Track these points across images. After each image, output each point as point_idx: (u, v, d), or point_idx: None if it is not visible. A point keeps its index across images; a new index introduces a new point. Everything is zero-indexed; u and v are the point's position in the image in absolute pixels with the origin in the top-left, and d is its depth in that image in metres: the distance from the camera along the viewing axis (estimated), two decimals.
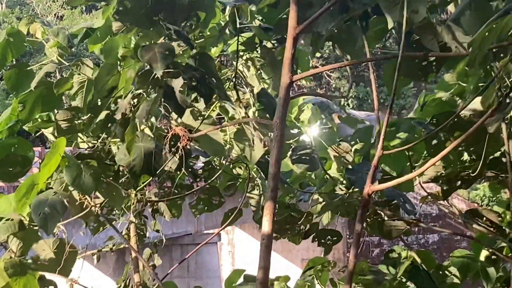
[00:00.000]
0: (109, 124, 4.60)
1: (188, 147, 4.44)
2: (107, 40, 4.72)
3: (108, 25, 4.86)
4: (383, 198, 5.21)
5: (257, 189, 5.86)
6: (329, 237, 5.81)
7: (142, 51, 4.07)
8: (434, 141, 4.50)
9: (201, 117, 4.94)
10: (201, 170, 5.79)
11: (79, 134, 5.10)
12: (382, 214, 5.27)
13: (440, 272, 5.62)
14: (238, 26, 5.01)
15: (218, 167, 5.78)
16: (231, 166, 5.89)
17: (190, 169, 5.06)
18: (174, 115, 5.03)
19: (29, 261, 4.15)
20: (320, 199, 5.71)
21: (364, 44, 4.17)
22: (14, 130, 4.92)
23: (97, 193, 4.63)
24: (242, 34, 5.21)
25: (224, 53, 5.95)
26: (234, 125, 5.03)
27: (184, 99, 4.15)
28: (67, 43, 4.91)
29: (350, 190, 5.44)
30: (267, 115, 4.98)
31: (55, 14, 61.57)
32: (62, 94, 4.84)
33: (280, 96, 3.89)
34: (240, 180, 5.96)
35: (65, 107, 4.89)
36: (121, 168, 4.81)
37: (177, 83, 4.17)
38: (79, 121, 4.77)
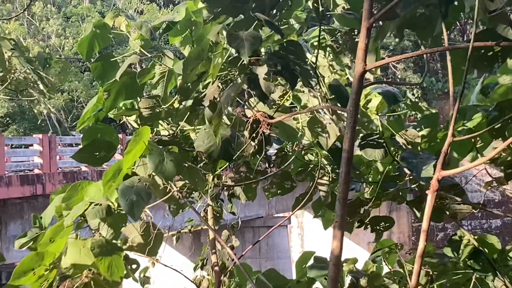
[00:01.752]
0: (196, 108, 4.63)
1: (267, 132, 4.42)
2: (195, 28, 4.74)
3: (188, 19, 4.89)
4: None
5: (327, 175, 5.83)
6: (382, 223, 5.78)
7: (230, 38, 4.08)
8: (498, 125, 4.43)
9: (276, 106, 4.93)
10: (274, 156, 5.80)
11: (160, 122, 5.14)
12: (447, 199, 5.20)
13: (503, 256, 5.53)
14: (321, 13, 4.98)
15: (290, 153, 5.77)
16: (303, 152, 5.87)
17: (265, 155, 5.05)
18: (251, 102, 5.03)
19: (118, 242, 4.19)
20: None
21: (443, 31, 4.08)
22: (100, 117, 4.99)
23: (178, 177, 4.65)
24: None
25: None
26: (307, 113, 5.01)
27: (268, 86, 4.15)
28: (149, 36, 4.96)
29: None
30: (339, 104, 4.94)
31: (135, 9, 62.21)
32: (144, 84, 4.88)
33: (354, 84, 3.86)
34: (311, 166, 5.94)
35: (147, 95, 4.94)
36: (199, 154, 4.83)
37: (262, 70, 4.17)
38: (161, 109, 4.81)
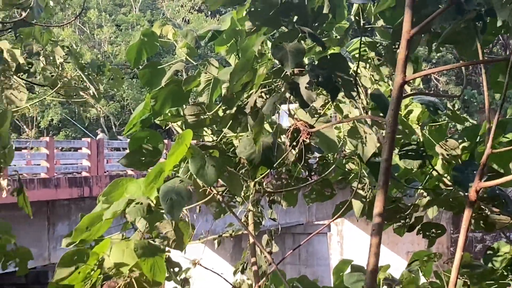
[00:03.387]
0: (239, 116, 4.66)
1: (308, 141, 4.43)
2: (243, 39, 4.77)
3: (234, 28, 4.92)
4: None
5: (366, 184, 5.82)
6: (433, 230, 5.78)
7: (274, 50, 4.11)
8: None
9: (317, 115, 4.94)
10: (315, 164, 5.80)
11: (204, 128, 5.17)
12: (486, 210, 5.17)
13: None
14: (362, 26, 4.98)
15: (331, 162, 5.78)
16: (343, 161, 5.87)
17: (305, 163, 5.05)
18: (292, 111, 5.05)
19: (157, 242, 4.22)
20: (425, 194, 5.68)
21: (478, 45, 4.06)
22: (147, 123, 5.04)
23: (220, 181, 4.67)
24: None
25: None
26: (348, 123, 5.01)
27: (309, 95, 4.15)
28: (195, 44, 4.99)
29: (454, 187, 5.37)
30: (380, 114, 4.94)
31: (183, 18, 62.61)
32: (190, 91, 4.91)
33: (393, 95, 3.86)
34: (352, 175, 5.94)
35: (192, 102, 4.97)
36: (241, 161, 4.85)
37: (303, 80, 4.18)
38: (205, 116, 4.84)
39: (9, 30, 6.80)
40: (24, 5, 6.30)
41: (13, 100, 5.13)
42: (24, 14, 6.24)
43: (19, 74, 5.51)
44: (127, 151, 4.70)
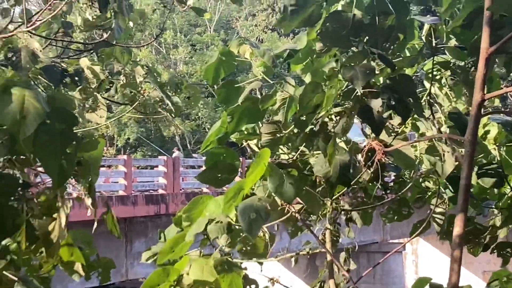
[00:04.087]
0: (311, 138, 4.66)
1: (383, 160, 4.41)
2: (314, 60, 4.78)
3: (309, 47, 4.92)
4: None
5: (444, 203, 5.75)
6: (508, 249, 5.69)
7: (344, 70, 4.12)
8: None
9: (394, 133, 4.90)
10: (392, 183, 5.75)
11: (280, 146, 5.17)
12: None
13: None
14: (434, 46, 4.94)
15: (408, 180, 5.72)
16: (420, 180, 5.80)
17: (381, 181, 5.02)
18: (367, 131, 5.03)
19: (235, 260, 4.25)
20: (496, 212, 5.63)
21: None
22: (223, 140, 5.07)
23: (296, 199, 4.67)
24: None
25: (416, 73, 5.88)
26: (425, 141, 4.96)
27: (381, 119, 4.15)
28: (272, 63, 5.01)
29: None
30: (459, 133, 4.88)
31: (256, 38, 63.03)
32: (266, 109, 4.92)
33: (472, 113, 3.81)
34: (429, 194, 5.87)
35: (268, 121, 4.98)
36: (318, 179, 4.84)
37: (376, 104, 4.18)
38: (281, 135, 4.84)
39: (91, 50, 6.97)
40: (106, 27, 6.45)
41: (93, 117, 5.24)
42: (105, 35, 6.39)
43: (99, 92, 5.63)
44: (202, 168, 4.75)
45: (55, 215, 2.97)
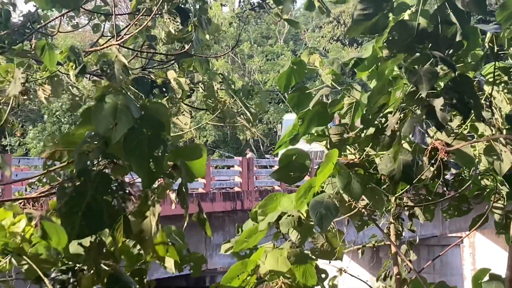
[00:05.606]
0: (377, 136, 4.63)
1: (445, 159, 4.34)
2: (381, 64, 4.75)
3: (374, 55, 4.89)
4: None
5: (502, 199, 5.64)
6: None
7: (409, 74, 4.08)
8: None
9: (454, 134, 4.83)
10: (452, 180, 5.67)
11: (347, 147, 5.15)
12: None
13: None
14: (495, 52, 4.86)
15: (467, 178, 5.63)
16: (479, 177, 5.71)
17: (443, 179, 4.95)
18: (429, 132, 4.96)
19: (307, 251, 4.26)
20: None
21: None
22: (295, 141, 5.08)
23: (362, 196, 4.65)
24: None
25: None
26: (483, 142, 4.87)
27: (444, 117, 4.08)
28: (340, 71, 5.00)
29: None
30: None
31: (323, 48, 62.86)
32: (334, 113, 4.91)
33: None
34: (487, 190, 5.77)
35: (335, 124, 4.97)
36: (382, 177, 4.80)
37: (438, 103, 4.12)
38: (348, 136, 4.83)
39: (173, 61, 7.05)
40: (186, 39, 6.51)
41: (179, 124, 5.29)
42: (186, 47, 6.45)
43: (184, 100, 5.69)
44: (274, 168, 4.76)
45: (147, 213, 3.01)
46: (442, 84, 4.45)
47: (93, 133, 2.87)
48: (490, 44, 4.90)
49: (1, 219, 2.87)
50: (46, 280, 2.87)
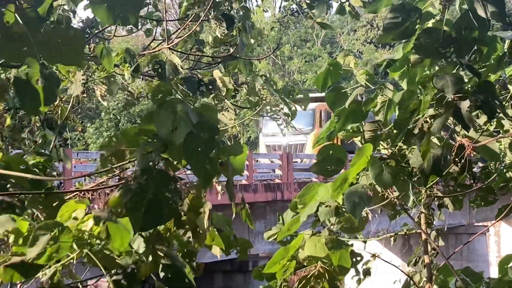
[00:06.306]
0: (409, 137, 4.64)
1: (472, 155, 4.33)
2: (411, 70, 4.74)
3: (405, 57, 4.86)
4: None
5: None
6: None
7: (436, 79, 4.12)
8: None
9: (481, 130, 4.79)
10: (479, 173, 5.64)
11: (381, 142, 5.14)
12: None
13: None
14: None
15: (493, 171, 5.60)
16: (504, 170, 5.66)
17: (470, 172, 4.91)
18: (457, 129, 4.93)
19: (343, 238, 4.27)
20: None
21: None
22: (331, 137, 5.07)
23: (394, 187, 4.64)
24: None
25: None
26: (509, 137, 4.83)
27: (470, 117, 4.10)
28: (373, 71, 4.99)
29: None
30: None
31: (357, 50, 62.50)
32: (368, 111, 4.90)
33: None
34: None
35: (369, 121, 4.96)
36: (413, 170, 4.79)
37: (465, 105, 4.14)
38: (381, 132, 4.82)
39: (219, 63, 7.10)
40: (231, 43, 6.56)
41: (223, 120, 5.33)
42: (231, 50, 6.50)
43: (228, 98, 5.74)
44: (312, 161, 4.78)
45: (201, 210, 3.05)
46: (467, 88, 4.44)
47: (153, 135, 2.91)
48: (510, 49, 4.87)
49: (72, 210, 2.91)
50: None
